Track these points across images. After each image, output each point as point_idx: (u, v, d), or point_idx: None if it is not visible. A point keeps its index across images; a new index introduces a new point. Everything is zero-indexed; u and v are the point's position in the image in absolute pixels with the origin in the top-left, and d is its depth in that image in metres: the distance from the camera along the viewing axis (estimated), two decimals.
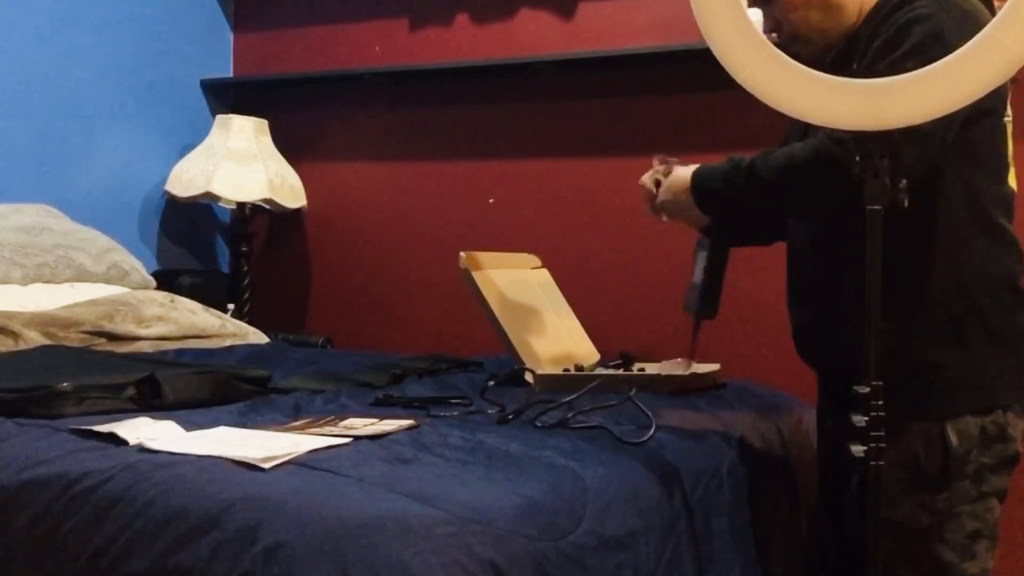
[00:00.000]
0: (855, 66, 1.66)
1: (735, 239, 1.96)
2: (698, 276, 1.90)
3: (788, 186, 1.66)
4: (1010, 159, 1.74)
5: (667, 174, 1.86)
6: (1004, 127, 1.71)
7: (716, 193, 1.76)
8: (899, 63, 1.50)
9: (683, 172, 1.83)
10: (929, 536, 1.63)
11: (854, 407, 1.64)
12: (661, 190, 1.86)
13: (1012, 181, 1.76)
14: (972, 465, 1.63)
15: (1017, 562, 2.63)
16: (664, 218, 1.89)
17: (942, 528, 1.63)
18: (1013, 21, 1.22)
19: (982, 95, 1.28)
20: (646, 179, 1.90)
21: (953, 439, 1.62)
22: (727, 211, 1.82)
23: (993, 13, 1.67)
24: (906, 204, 1.35)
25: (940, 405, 1.65)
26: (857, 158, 1.34)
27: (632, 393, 1.87)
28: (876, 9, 1.69)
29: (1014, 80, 1.30)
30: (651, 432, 1.72)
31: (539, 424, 1.78)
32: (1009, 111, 1.74)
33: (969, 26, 1.49)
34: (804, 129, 1.83)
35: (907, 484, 1.63)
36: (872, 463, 1.33)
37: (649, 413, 1.78)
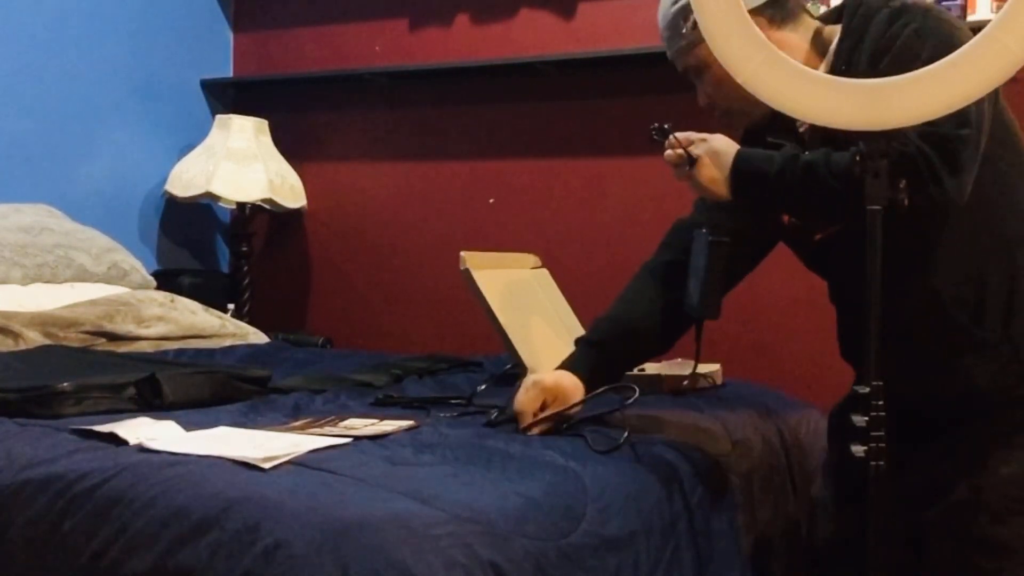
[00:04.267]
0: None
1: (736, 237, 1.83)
2: (698, 274, 1.80)
3: (849, 191, 1.48)
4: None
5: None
6: (1004, 107, 1.66)
7: (762, 178, 1.63)
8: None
9: (726, 141, 1.71)
10: None
11: (934, 434, 1.65)
12: (703, 145, 1.71)
13: None
14: None
15: None
16: (683, 174, 1.73)
17: None
18: (1013, 21, 1.22)
19: (982, 95, 1.28)
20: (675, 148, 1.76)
21: None
22: (762, 200, 1.68)
23: None
24: (906, 203, 1.34)
25: None
26: (857, 158, 1.33)
27: (630, 401, 1.78)
28: (850, 23, 1.65)
29: (1014, 80, 1.30)
30: (620, 440, 1.66)
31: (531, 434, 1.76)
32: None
33: (958, 28, 1.52)
34: (826, 135, 1.79)
35: (1019, 502, 1.57)
36: (872, 463, 1.32)
37: (621, 424, 1.72)
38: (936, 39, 1.53)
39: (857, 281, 1.45)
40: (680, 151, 1.72)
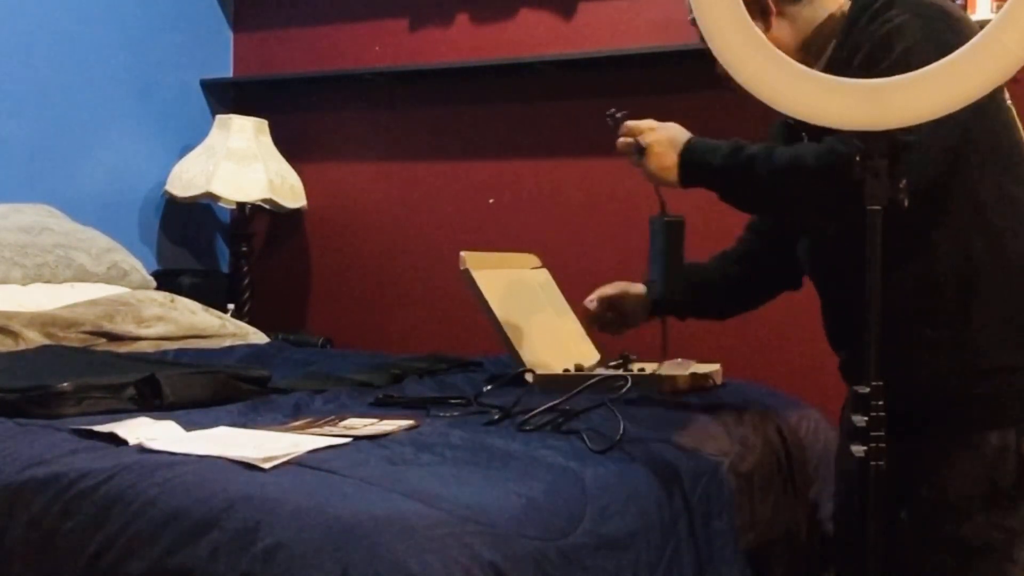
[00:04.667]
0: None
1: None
2: (658, 257, 1.81)
3: (788, 188, 1.60)
4: None
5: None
6: (1009, 108, 1.66)
7: (707, 169, 1.68)
8: (870, 69, 1.49)
9: (678, 129, 1.75)
10: (998, 555, 1.57)
11: (911, 430, 1.62)
12: (652, 134, 1.75)
13: None
14: None
15: None
16: (636, 162, 1.77)
17: (1012, 547, 1.57)
18: (1013, 21, 1.22)
19: (982, 95, 1.28)
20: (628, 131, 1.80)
21: None
22: (711, 189, 1.72)
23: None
24: (906, 204, 1.34)
25: (1014, 410, 1.59)
26: (858, 158, 1.33)
27: (624, 390, 1.81)
28: (853, 16, 1.65)
29: (1015, 80, 1.30)
30: (617, 437, 1.66)
31: (528, 428, 1.76)
32: (1006, 96, 1.72)
33: (943, 25, 1.51)
34: (786, 133, 1.81)
35: (979, 501, 1.58)
36: (872, 463, 1.32)
37: (622, 420, 1.72)
38: (909, 41, 1.53)
39: (824, 269, 1.48)
40: (630, 139, 1.75)
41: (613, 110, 1.79)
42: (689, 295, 1.94)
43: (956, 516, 1.58)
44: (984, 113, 1.57)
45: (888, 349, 1.59)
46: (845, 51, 1.63)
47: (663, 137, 1.73)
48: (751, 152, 1.64)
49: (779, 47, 1.61)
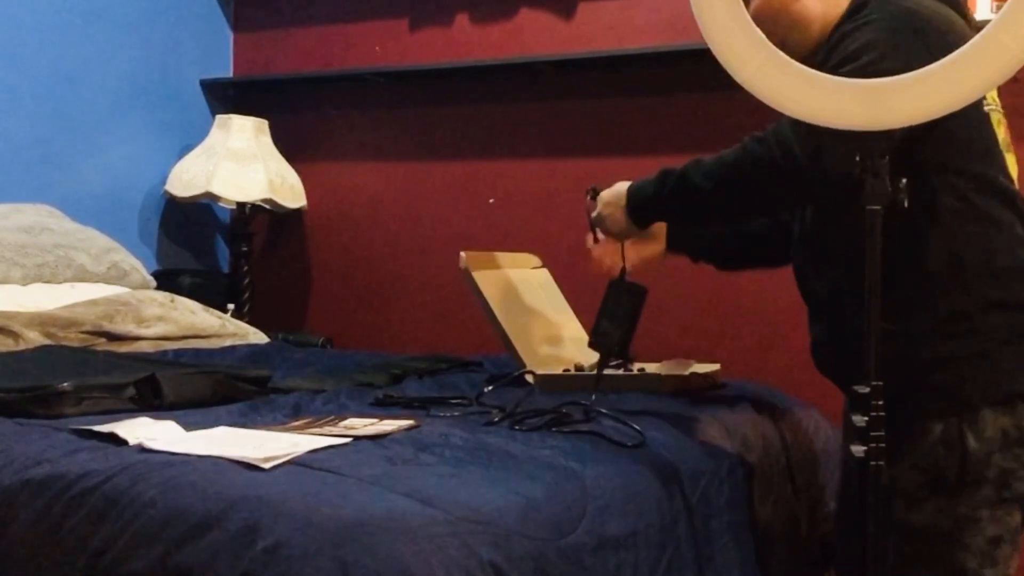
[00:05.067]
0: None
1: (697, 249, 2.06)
2: (617, 320, 1.94)
3: (720, 188, 1.68)
4: (1003, 147, 1.71)
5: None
6: (986, 115, 1.68)
7: (648, 201, 1.80)
8: (835, 70, 1.52)
9: (620, 186, 1.87)
10: (949, 541, 1.60)
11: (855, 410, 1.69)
12: (600, 204, 1.91)
13: (1012, 169, 1.73)
14: (993, 470, 1.60)
15: None
16: (598, 237, 1.96)
17: (962, 533, 1.60)
18: (1013, 21, 1.22)
19: (982, 95, 1.28)
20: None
21: (972, 441, 1.59)
22: (660, 219, 1.88)
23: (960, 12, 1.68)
24: (906, 204, 1.34)
25: (956, 400, 1.62)
26: (857, 158, 1.33)
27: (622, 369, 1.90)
28: (844, 14, 1.69)
29: (1015, 80, 1.30)
30: (638, 441, 1.70)
31: (525, 428, 1.76)
32: (992, 97, 1.72)
33: (908, 23, 1.55)
34: None
35: (927, 488, 1.61)
36: (872, 463, 1.32)
37: (630, 423, 1.76)
38: (868, 38, 1.56)
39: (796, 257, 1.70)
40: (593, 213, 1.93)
41: (593, 187, 1.96)
42: (706, 241, 2.08)
43: (907, 503, 1.61)
44: (952, 118, 1.59)
45: (845, 335, 1.69)
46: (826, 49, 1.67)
47: (610, 199, 1.88)
48: (679, 171, 1.73)
49: (803, 19, 1.72)
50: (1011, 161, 1.73)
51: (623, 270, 1.94)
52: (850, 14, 1.65)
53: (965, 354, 1.61)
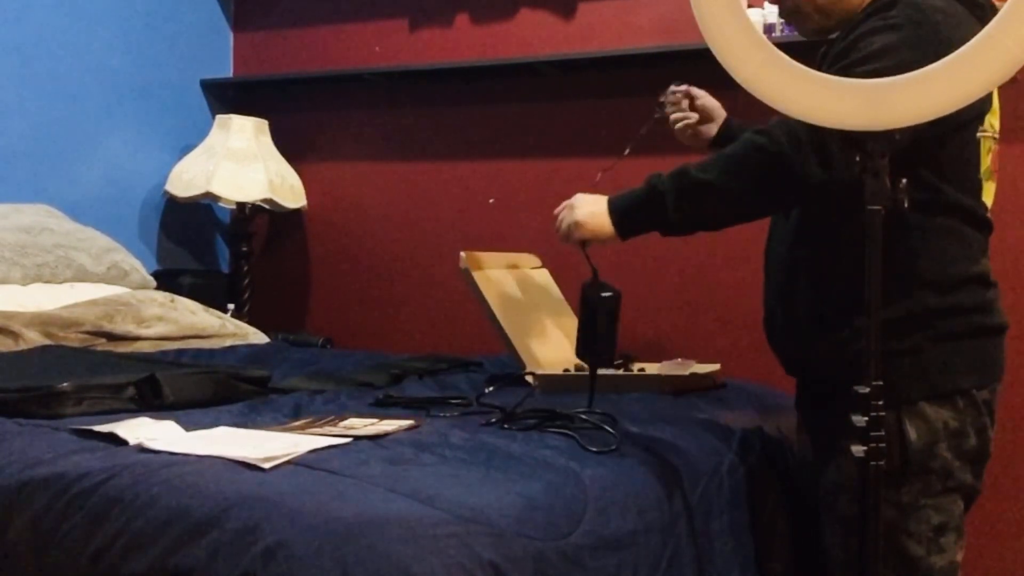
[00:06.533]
0: (820, 62, 1.69)
1: None
2: (595, 330, 1.88)
3: (730, 181, 1.67)
4: (985, 175, 1.73)
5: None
6: (978, 141, 1.70)
7: (638, 206, 1.77)
8: (848, 69, 1.54)
9: (590, 196, 1.86)
10: (895, 530, 1.64)
11: (807, 403, 1.85)
12: (574, 212, 1.86)
13: (989, 196, 1.75)
14: (938, 460, 1.65)
15: (999, 558, 2.63)
16: (573, 238, 1.88)
17: (907, 522, 1.65)
18: (1013, 21, 1.22)
19: (982, 95, 1.28)
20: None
21: (911, 433, 1.63)
22: (657, 228, 1.79)
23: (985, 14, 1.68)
24: (906, 204, 1.35)
25: (893, 394, 1.59)
26: (857, 156, 1.34)
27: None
28: (870, 5, 1.69)
29: (1014, 80, 1.30)
30: (613, 446, 1.67)
31: (507, 427, 1.76)
32: (991, 124, 1.73)
33: (933, 37, 1.54)
34: None
35: None
36: (872, 463, 1.32)
37: (611, 429, 1.73)
38: (890, 42, 1.57)
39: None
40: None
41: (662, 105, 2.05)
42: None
43: (850, 497, 1.63)
44: (950, 136, 1.64)
45: (797, 317, 1.76)
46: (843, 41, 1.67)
47: (580, 205, 1.86)
48: (673, 174, 1.72)
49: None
50: (989, 189, 1.75)
51: (595, 274, 1.90)
52: (878, 8, 1.65)
53: (899, 349, 1.64)
